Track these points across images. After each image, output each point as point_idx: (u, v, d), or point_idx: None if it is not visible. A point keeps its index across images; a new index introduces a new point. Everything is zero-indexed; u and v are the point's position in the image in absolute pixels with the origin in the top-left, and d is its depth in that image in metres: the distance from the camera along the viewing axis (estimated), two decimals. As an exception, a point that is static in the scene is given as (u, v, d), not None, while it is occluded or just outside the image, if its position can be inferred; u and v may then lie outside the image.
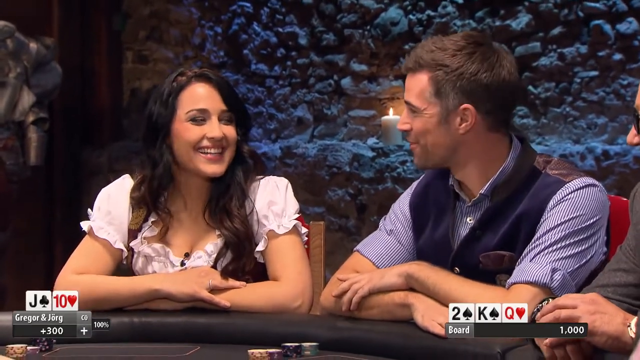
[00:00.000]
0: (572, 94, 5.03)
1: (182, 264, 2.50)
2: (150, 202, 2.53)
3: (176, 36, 6.17)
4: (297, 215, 2.53)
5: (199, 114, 2.49)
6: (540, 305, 1.92)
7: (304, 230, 2.55)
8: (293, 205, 2.54)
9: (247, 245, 2.48)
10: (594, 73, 4.97)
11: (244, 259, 2.48)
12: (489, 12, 5.22)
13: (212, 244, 2.50)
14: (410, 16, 5.45)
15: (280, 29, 5.83)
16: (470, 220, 2.34)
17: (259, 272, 2.51)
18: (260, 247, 2.49)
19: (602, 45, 4.94)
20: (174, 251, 2.51)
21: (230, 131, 2.50)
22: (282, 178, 2.58)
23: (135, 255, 2.52)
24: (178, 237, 2.53)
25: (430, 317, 2.16)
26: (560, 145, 5.00)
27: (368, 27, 5.56)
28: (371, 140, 5.55)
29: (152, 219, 2.54)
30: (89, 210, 2.59)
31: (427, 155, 2.33)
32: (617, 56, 4.91)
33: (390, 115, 5.39)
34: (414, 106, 2.31)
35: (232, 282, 2.42)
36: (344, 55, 5.64)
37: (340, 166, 5.53)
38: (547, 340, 1.82)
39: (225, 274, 2.46)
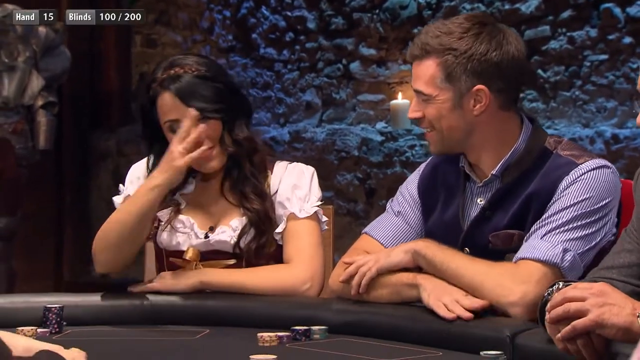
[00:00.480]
0: (581, 78, 5.01)
1: (206, 236, 2.50)
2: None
3: (184, 20, 6.16)
4: (320, 203, 2.54)
5: (173, 124, 2.47)
6: (551, 289, 1.92)
7: (324, 219, 2.56)
8: (317, 193, 2.55)
9: (268, 225, 2.49)
10: (604, 57, 4.95)
11: (265, 237, 2.48)
12: (498, -5, 5.20)
13: (237, 220, 2.51)
14: (419, 0, 5.43)
15: (289, 13, 5.81)
16: (480, 200, 2.33)
17: (281, 256, 2.52)
18: (279, 229, 2.50)
19: (612, 28, 4.92)
20: (199, 223, 2.52)
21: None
22: (310, 167, 2.59)
23: (160, 227, 2.53)
24: (204, 210, 2.54)
25: (437, 296, 2.16)
26: (570, 129, 4.98)
27: (377, 11, 5.55)
28: (380, 125, 5.54)
29: (179, 192, 2.55)
30: (121, 185, 2.60)
31: (443, 140, 2.32)
32: (627, 39, 4.89)
33: (399, 100, 5.38)
34: (425, 94, 2.29)
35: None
36: (353, 39, 5.63)
37: (348, 150, 5.53)
38: (559, 335, 1.82)
39: (248, 252, 2.47)
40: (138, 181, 2.57)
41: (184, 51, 6.03)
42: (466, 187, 2.36)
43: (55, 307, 2.27)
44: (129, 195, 2.55)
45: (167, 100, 2.47)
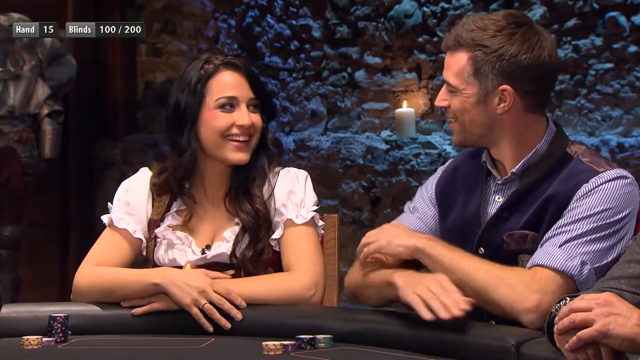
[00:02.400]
0: (586, 87, 5.01)
1: (203, 252, 2.51)
2: (175, 188, 2.54)
3: (190, 29, 6.17)
4: (316, 208, 2.54)
5: (228, 102, 2.50)
6: (559, 305, 1.92)
7: (320, 223, 2.56)
8: (312, 197, 2.55)
9: (264, 228, 2.49)
10: (609, 65, 4.95)
11: (261, 243, 2.49)
12: (503, 4, 5.20)
13: (229, 230, 2.51)
14: (424, 8, 5.44)
15: (294, 22, 5.82)
16: (499, 198, 2.32)
17: (278, 262, 2.52)
18: (276, 235, 2.50)
19: (617, 37, 4.92)
20: (196, 240, 2.52)
21: (257, 119, 2.53)
22: (302, 170, 2.59)
23: (157, 244, 2.54)
24: (201, 226, 2.54)
25: (414, 291, 2.13)
26: (575, 137, 4.97)
27: (382, 20, 5.56)
28: (385, 133, 5.55)
29: (175, 209, 2.55)
30: (109, 204, 2.60)
31: (465, 133, 2.32)
32: (632, 48, 4.89)
33: (404, 108, 5.39)
34: (452, 85, 2.30)
35: (233, 296, 2.37)
36: (358, 48, 5.64)
37: (353, 159, 5.53)
38: (567, 345, 1.82)
39: (244, 260, 2.47)
40: (127, 207, 2.55)
41: (189, 60, 6.04)
42: (487, 183, 2.36)
43: (61, 317, 2.27)
44: (116, 214, 2.54)
45: (231, 77, 2.51)
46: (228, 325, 2.34)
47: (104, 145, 6.22)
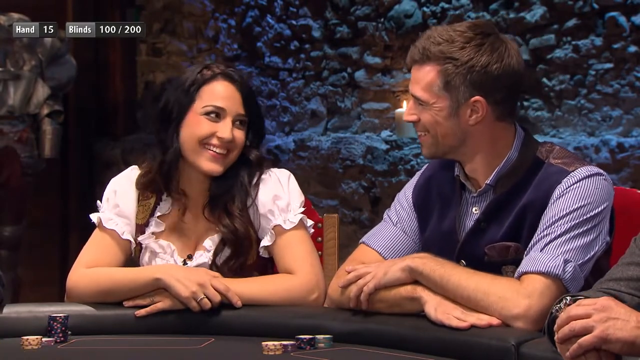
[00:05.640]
0: (586, 87, 5.01)
1: (185, 263, 2.50)
2: (162, 185, 2.53)
3: (190, 29, 6.17)
4: (303, 209, 2.53)
5: (215, 111, 2.48)
6: (558, 306, 1.92)
7: (309, 222, 2.55)
8: (297, 198, 2.53)
9: (246, 244, 2.49)
10: (609, 65, 4.95)
11: (242, 257, 2.49)
12: (503, 4, 5.20)
13: (210, 239, 2.51)
14: (424, 8, 5.44)
15: (294, 22, 5.82)
16: (476, 210, 2.33)
17: (263, 266, 2.52)
18: (266, 242, 2.49)
19: (616, 37, 4.92)
20: (178, 249, 2.52)
21: (240, 135, 2.50)
22: (284, 170, 2.57)
23: (143, 250, 2.54)
24: (182, 234, 2.53)
25: (444, 310, 2.16)
26: (575, 137, 4.98)
27: (382, 20, 5.56)
28: (385, 133, 5.55)
29: (158, 214, 2.54)
30: (98, 202, 2.60)
31: (437, 145, 2.32)
32: (632, 48, 4.89)
33: (404, 108, 5.39)
34: (422, 100, 2.29)
35: (230, 294, 2.37)
36: (358, 47, 5.63)
37: (353, 159, 5.53)
38: (568, 353, 1.83)
39: (228, 270, 2.47)
40: (117, 208, 2.55)
41: (189, 60, 6.04)
42: (462, 196, 2.36)
43: (60, 317, 2.28)
44: (105, 214, 2.55)
45: (225, 88, 2.49)
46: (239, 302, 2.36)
47: (104, 145, 6.22)
